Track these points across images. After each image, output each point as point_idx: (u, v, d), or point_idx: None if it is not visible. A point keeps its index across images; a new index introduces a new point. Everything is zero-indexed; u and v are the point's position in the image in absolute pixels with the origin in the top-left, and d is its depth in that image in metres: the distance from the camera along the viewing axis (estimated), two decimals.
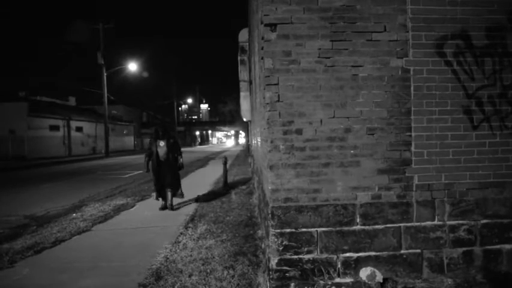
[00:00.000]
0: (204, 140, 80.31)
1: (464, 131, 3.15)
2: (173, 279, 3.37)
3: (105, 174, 14.57)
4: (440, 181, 3.14)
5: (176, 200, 7.11)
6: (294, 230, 3.04)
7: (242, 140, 56.12)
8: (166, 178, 6.69)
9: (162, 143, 6.65)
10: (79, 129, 32.33)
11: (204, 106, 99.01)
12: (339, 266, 3.05)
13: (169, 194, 6.75)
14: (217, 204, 7.11)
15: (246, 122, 15.45)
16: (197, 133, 73.47)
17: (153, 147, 6.67)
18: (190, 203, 7.47)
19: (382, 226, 3.09)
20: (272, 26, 3.00)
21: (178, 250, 4.22)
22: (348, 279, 3.04)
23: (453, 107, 3.13)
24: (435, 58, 3.11)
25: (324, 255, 3.05)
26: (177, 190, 6.91)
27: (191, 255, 3.98)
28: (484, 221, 3.17)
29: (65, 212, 6.87)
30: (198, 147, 55.94)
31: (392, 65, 3.08)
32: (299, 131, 3.04)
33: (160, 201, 6.89)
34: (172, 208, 6.75)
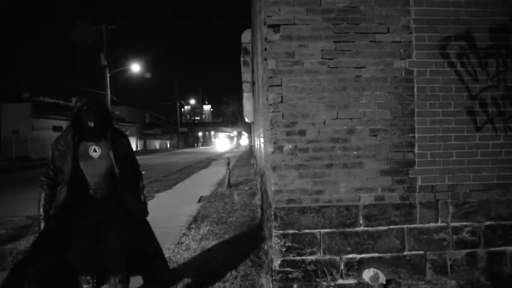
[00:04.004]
0: (207, 140, 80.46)
1: (467, 132, 3.14)
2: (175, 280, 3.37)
3: None
4: (443, 182, 3.13)
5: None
6: (296, 231, 3.03)
7: (245, 140, 56.19)
8: (112, 242, 2.49)
9: (96, 150, 2.56)
10: None
11: (207, 107, 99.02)
12: (342, 267, 3.05)
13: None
14: (219, 205, 7.11)
15: (249, 123, 15.46)
16: (200, 134, 73.61)
17: (64, 162, 2.52)
18: None
19: (386, 227, 3.08)
20: (275, 27, 3.00)
21: (181, 251, 4.23)
22: (351, 281, 3.04)
23: (456, 108, 3.13)
24: (438, 59, 3.10)
25: (327, 257, 3.04)
26: (159, 269, 2.75)
27: (194, 256, 3.98)
28: (488, 222, 3.15)
29: None
30: (201, 148, 56.05)
31: (395, 66, 3.07)
32: (302, 132, 3.04)
33: None
34: None
